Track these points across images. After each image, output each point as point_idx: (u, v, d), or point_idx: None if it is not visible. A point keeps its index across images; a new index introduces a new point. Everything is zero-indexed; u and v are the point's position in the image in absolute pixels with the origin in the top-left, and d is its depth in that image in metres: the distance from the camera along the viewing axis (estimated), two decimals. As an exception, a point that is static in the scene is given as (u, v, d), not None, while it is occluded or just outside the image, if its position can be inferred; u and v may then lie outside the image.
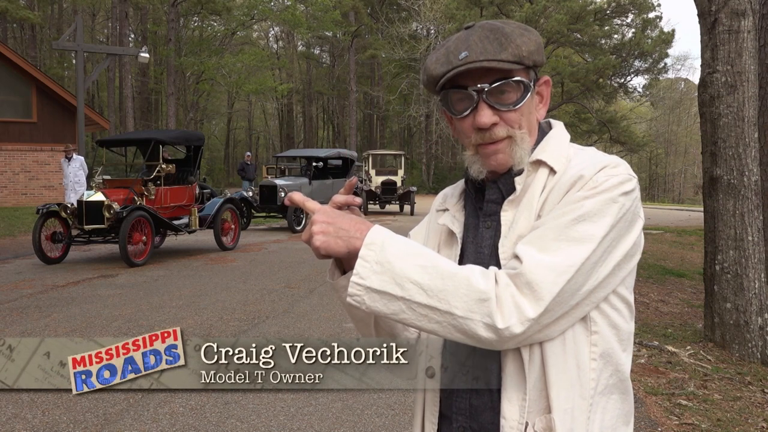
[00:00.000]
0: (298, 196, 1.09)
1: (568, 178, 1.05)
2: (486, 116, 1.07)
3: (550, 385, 1.01)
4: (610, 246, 1.00)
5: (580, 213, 0.99)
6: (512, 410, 1.03)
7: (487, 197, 1.15)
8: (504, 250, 1.07)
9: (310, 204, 1.05)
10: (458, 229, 1.18)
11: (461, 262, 1.15)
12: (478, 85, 1.07)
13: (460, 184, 1.24)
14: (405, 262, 0.97)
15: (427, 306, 0.96)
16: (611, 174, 1.02)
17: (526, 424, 1.02)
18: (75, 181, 14.13)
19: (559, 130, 1.17)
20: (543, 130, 1.18)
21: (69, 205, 9.72)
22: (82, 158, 14.63)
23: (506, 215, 1.10)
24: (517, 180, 1.10)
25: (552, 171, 1.09)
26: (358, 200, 1.08)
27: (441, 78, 1.08)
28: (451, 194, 1.25)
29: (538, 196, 1.08)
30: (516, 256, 1.00)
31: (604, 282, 1.01)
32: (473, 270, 0.98)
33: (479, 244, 1.14)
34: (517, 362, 1.03)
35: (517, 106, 1.08)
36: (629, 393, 1.10)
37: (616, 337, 1.05)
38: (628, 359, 1.09)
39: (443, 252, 1.20)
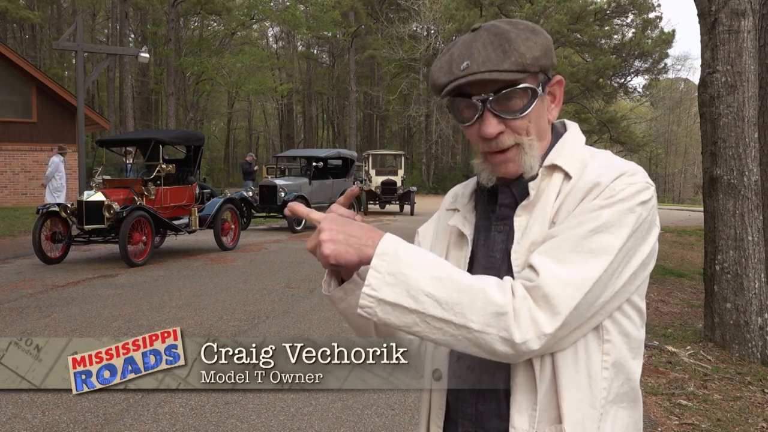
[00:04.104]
0: (301, 208, 1.05)
1: (584, 184, 1.02)
2: (491, 126, 1.05)
3: (561, 394, 0.99)
4: (626, 256, 0.98)
5: (598, 224, 0.96)
6: (522, 420, 1.01)
7: (500, 201, 1.12)
8: (517, 256, 1.05)
9: (315, 215, 1.02)
10: (469, 231, 1.15)
11: (472, 265, 1.13)
12: (482, 95, 1.04)
13: (471, 183, 1.21)
14: (419, 274, 0.94)
15: (442, 319, 0.93)
16: (629, 182, 1.00)
17: None
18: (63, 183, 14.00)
19: (574, 132, 1.14)
20: (557, 132, 1.15)
21: (69, 205, 9.72)
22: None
23: (519, 220, 1.07)
24: (531, 185, 1.07)
25: (567, 176, 1.06)
26: (359, 217, 1.06)
27: (443, 88, 1.06)
28: (462, 193, 1.22)
29: (552, 201, 1.05)
30: (531, 267, 0.97)
31: (620, 292, 0.99)
32: (489, 282, 0.96)
33: (491, 248, 1.11)
34: (527, 372, 1.01)
35: (523, 114, 1.05)
36: (639, 401, 1.08)
37: (627, 345, 1.04)
38: (639, 367, 1.07)
39: (453, 253, 1.17)
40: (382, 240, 0.97)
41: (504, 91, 1.03)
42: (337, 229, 0.98)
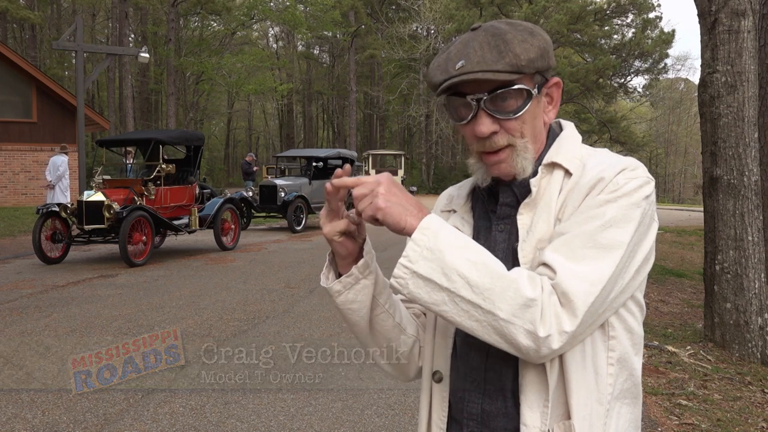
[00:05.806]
0: (348, 179, 1.03)
1: (588, 180, 1.03)
2: (485, 125, 1.06)
3: (570, 390, 1.00)
4: (633, 251, 0.99)
5: (606, 219, 0.98)
6: (533, 417, 1.01)
7: (501, 200, 1.12)
8: (524, 254, 1.05)
9: (366, 177, 1.03)
10: (468, 232, 1.15)
11: None
12: (477, 94, 1.05)
13: (467, 184, 1.21)
14: (456, 254, 0.95)
15: (471, 302, 0.94)
16: (631, 177, 1.01)
17: (548, 431, 1.01)
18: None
19: (570, 131, 1.15)
20: (554, 131, 1.16)
21: (69, 205, 9.73)
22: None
23: (523, 218, 1.08)
24: (532, 182, 1.08)
25: (567, 173, 1.07)
26: (355, 215, 1.06)
27: (439, 86, 1.07)
28: (458, 195, 1.22)
29: (555, 198, 1.06)
30: (546, 265, 0.98)
31: (627, 287, 1.00)
32: (521, 273, 0.96)
33: (492, 248, 1.11)
34: (538, 368, 1.02)
35: (517, 114, 1.06)
36: (640, 398, 1.09)
37: (630, 341, 1.05)
38: (640, 363, 1.08)
39: None
40: (427, 216, 0.99)
41: (498, 91, 1.04)
42: (395, 191, 1.00)
